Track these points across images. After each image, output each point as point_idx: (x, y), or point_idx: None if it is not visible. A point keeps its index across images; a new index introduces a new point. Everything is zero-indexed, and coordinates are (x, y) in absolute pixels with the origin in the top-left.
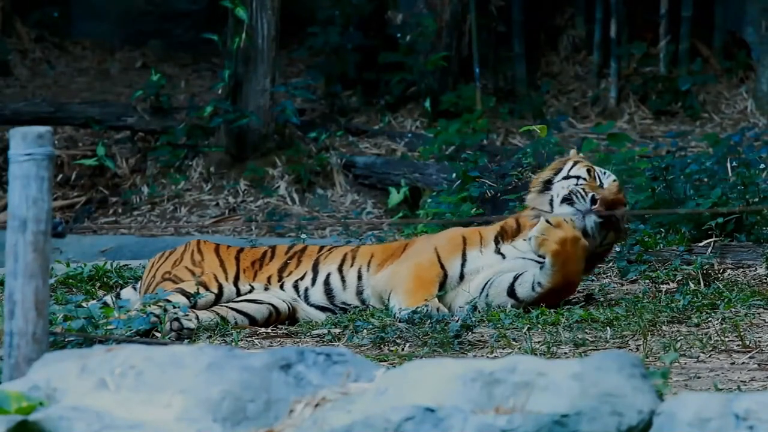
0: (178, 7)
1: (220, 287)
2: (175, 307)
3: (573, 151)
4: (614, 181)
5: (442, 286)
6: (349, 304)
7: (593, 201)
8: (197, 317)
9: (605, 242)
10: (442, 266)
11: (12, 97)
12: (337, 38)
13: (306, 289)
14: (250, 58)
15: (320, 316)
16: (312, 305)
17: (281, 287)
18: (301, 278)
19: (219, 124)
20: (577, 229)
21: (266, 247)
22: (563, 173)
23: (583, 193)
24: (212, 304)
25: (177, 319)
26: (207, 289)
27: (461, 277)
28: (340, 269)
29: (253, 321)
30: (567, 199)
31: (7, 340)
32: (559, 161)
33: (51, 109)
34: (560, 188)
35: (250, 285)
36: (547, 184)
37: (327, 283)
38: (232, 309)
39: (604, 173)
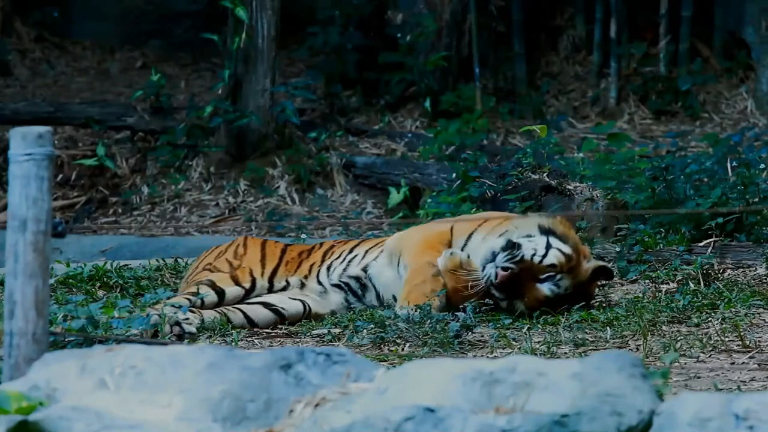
0: (178, 7)
1: (253, 282)
2: (176, 307)
3: (604, 267)
4: (550, 292)
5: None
6: (353, 276)
7: (504, 269)
8: (202, 319)
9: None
10: (451, 238)
11: (12, 97)
12: (337, 38)
13: (334, 269)
14: (250, 58)
15: (337, 299)
16: (332, 284)
17: (318, 275)
18: (336, 258)
19: (219, 124)
20: (464, 263)
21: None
22: (555, 242)
23: (512, 257)
24: (242, 298)
25: (178, 323)
26: (238, 284)
27: None
28: (368, 250)
29: (254, 326)
30: (510, 245)
31: (7, 340)
32: (581, 249)
33: (51, 109)
34: (534, 243)
35: (286, 281)
36: (548, 232)
37: (350, 261)
38: (241, 311)
39: (559, 285)
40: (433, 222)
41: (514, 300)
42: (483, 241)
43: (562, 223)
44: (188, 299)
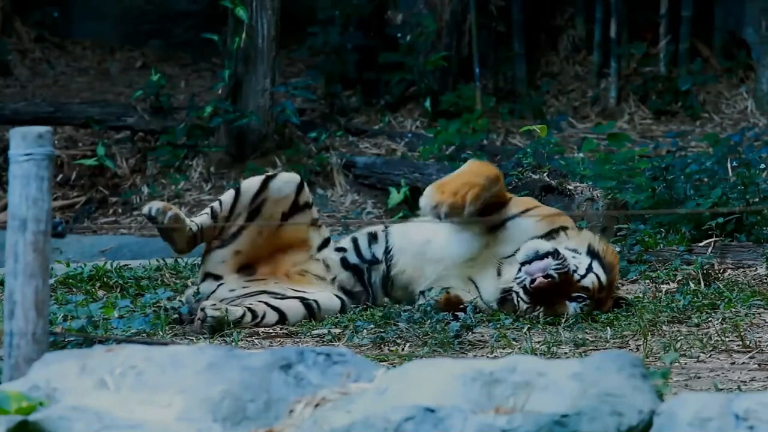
0: (178, 7)
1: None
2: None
3: (624, 299)
4: (573, 311)
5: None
6: (367, 233)
7: (546, 276)
8: (226, 308)
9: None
10: (508, 202)
11: (12, 97)
12: (337, 38)
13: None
14: (250, 58)
15: (335, 258)
16: (336, 247)
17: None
18: None
19: (219, 124)
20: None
21: None
22: (597, 267)
23: (561, 268)
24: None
25: (203, 309)
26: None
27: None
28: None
29: (283, 319)
30: (559, 255)
31: (7, 340)
32: (615, 284)
33: (51, 109)
34: (577, 260)
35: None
36: (595, 255)
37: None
38: (267, 304)
39: (582, 309)
40: None
41: (537, 307)
42: (533, 225)
43: (613, 254)
44: None
